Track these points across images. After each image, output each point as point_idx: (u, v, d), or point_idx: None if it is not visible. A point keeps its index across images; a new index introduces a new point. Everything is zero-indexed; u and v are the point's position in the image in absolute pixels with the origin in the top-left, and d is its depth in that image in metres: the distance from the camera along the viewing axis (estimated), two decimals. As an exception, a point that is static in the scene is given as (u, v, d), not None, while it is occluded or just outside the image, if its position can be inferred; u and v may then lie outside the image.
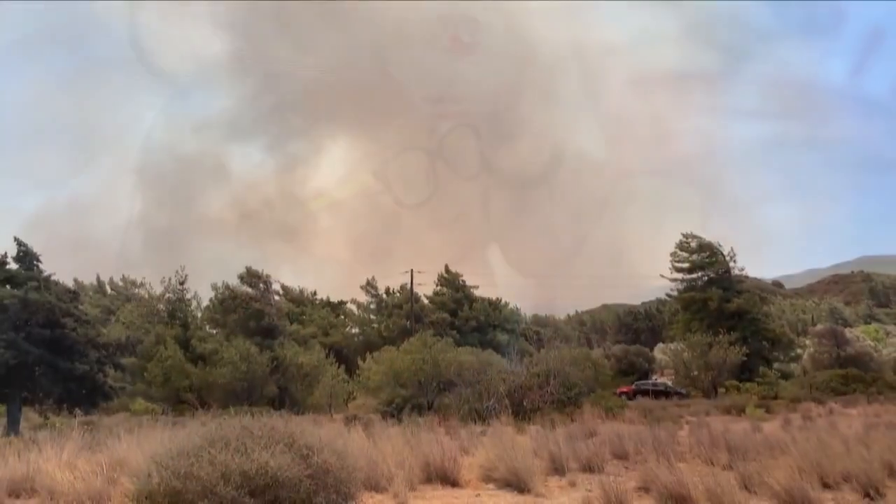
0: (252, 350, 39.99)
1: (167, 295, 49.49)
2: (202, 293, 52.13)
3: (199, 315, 51.10)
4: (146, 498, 6.98)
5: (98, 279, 59.38)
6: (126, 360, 44.39)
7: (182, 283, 49.24)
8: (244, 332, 46.66)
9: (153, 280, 50.02)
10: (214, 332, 49.67)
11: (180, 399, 40.68)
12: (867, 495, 10.19)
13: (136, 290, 56.81)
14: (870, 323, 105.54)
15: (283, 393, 41.80)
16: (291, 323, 55.39)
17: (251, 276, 51.21)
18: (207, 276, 56.90)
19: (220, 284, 51.29)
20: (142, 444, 13.02)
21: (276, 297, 56.86)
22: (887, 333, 73.32)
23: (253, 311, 48.39)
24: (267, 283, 51.74)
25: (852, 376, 46.51)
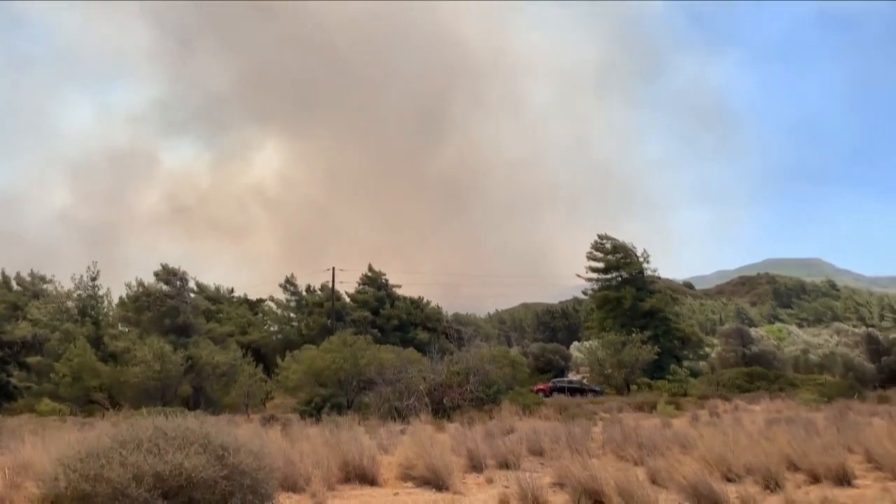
0: (166, 349, 38.83)
1: (78, 292, 47.49)
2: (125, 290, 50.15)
3: (111, 313, 49.23)
4: (52, 502, 6.74)
5: (3, 274, 56.20)
6: (32, 360, 42.44)
7: (94, 280, 47.41)
8: (158, 330, 45.29)
9: (79, 275, 47.45)
10: (127, 330, 48.00)
11: (90, 399, 39.17)
12: (767, 487, 10.72)
13: (45, 285, 54.18)
14: (773, 323, 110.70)
15: (199, 393, 40.79)
16: (208, 321, 53.98)
17: (166, 274, 49.74)
18: (136, 272, 54.83)
19: (133, 282, 49.62)
20: (48, 446, 12.49)
21: (192, 295, 55.33)
22: (789, 333, 76.97)
23: (167, 308, 47.02)
24: (183, 280, 50.37)
25: (756, 374, 48.63)
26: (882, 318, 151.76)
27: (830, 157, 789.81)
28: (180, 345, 42.49)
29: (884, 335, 69.32)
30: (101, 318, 46.88)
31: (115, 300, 50.00)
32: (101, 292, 48.06)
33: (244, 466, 6.87)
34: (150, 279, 49.74)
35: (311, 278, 68.32)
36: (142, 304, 47.78)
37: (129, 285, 49.51)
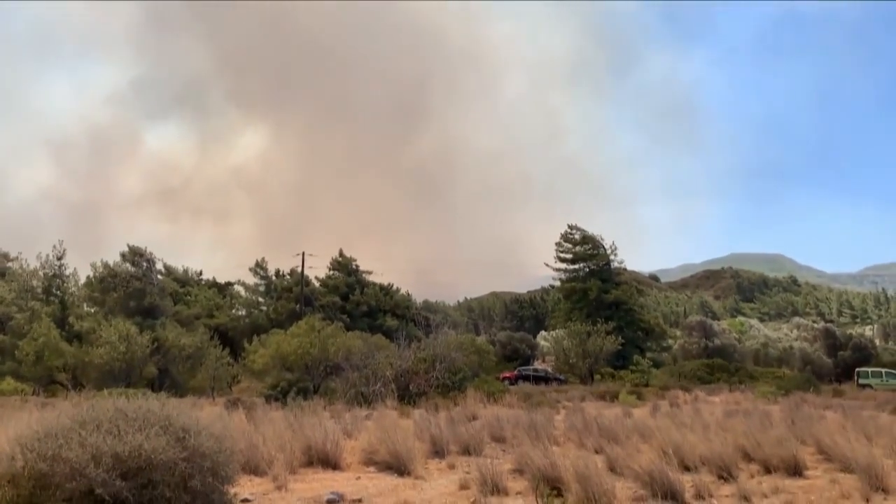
0: (132, 330, 38.37)
1: (43, 270, 46.67)
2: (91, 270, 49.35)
3: (77, 293, 48.46)
4: (9, 482, 6.69)
5: (-35, 252, 54.89)
6: (-7, 338, 41.69)
7: (60, 259, 46.63)
8: (124, 311, 44.70)
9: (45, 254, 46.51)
10: (93, 310, 47.32)
11: (53, 379, 38.61)
12: (721, 477, 11.00)
13: (9, 264, 53.13)
14: (736, 316, 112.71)
15: (164, 375, 40.41)
16: (175, 303, 53.45)
17: (133, 255, 49.08)
18: (115, 252, 53.46)
19: (99, 262, 48.89)
20: (7, 425, 12.37)
21: (160, 277, 54.71)
22: (751, 327, 78.48)
23: (133, 290, 46.41)
24: (150, 261, 49.74)
25: (717, 366, 49.63)
26: (840, 314, 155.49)
27: (795, 156, 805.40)
28: (146, 326, 42.02)
29: (841, 331, 71.06)
30: (66, 297, 46.15)
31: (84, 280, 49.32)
32: (67, 272, 47.32)
33: (205, 449, 6.88)
34: (103, 260, 49.03)
35: (284, 262, 68.03)
36: (107, 284, 47.12)
37: (94, 265, 48.80)
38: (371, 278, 67.49)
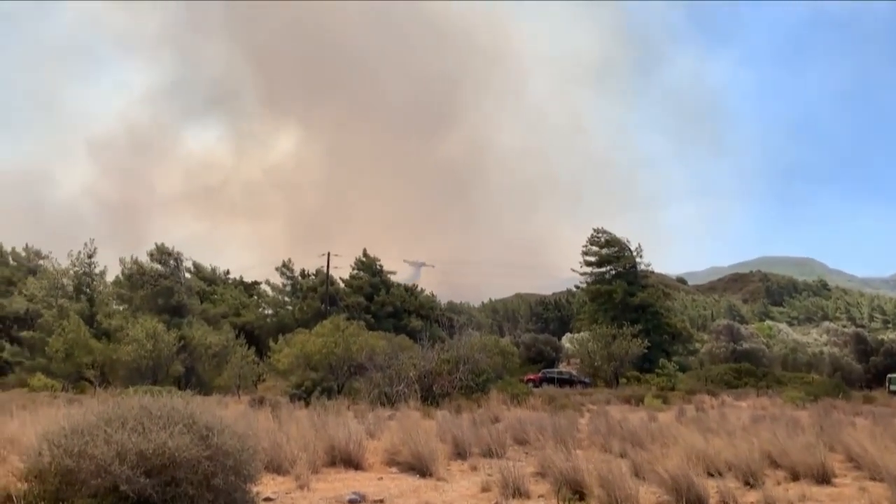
0: (159, 328, 38.87)
1: (74, 268, 47.46)
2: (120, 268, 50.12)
3: (106, 290, 49.21)
4: (35, 477, 6.80)
5: (-1, 249, 56.00)
6: (25, 334, 42.45)
7: (91, 257, 47.37)
8: (152, 309, 45.32)
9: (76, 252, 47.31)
10: (121, 308, 48.02)
11: (81, 376, 39.23)
12: (747, 483, 10.85)
13: (41, 261, 54.08)
14: (764, 321, 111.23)
15: (190, 373, 40.87)
16: (202, 302, 54.04)
17: (160, 253, 49.72)
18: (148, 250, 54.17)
19: (128, 260, 49.59)
20: (35, 421, 12.57)
21: (187, 276, 55.36)
22: (779, 331, 77.39)
23: (162, 288, 47.01)
24: (178, 260, 50.38)
25: (745, 370, 48.98)
26: (872, 319, 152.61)
27: (825, 158, 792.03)
28: (173, 325, 42.55)
29: (872, 336, 69.87)
30: (95, 295, 46.86)
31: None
32: (97, 269, 48.06)
33: (228, 447, 6.93)
34: (133, 257, 49.73)
35: (313, 262, 68.46)
36: (136, 282, 47.79)
37: (123, 262, 49.52)
38: (396, 278, 67.71)
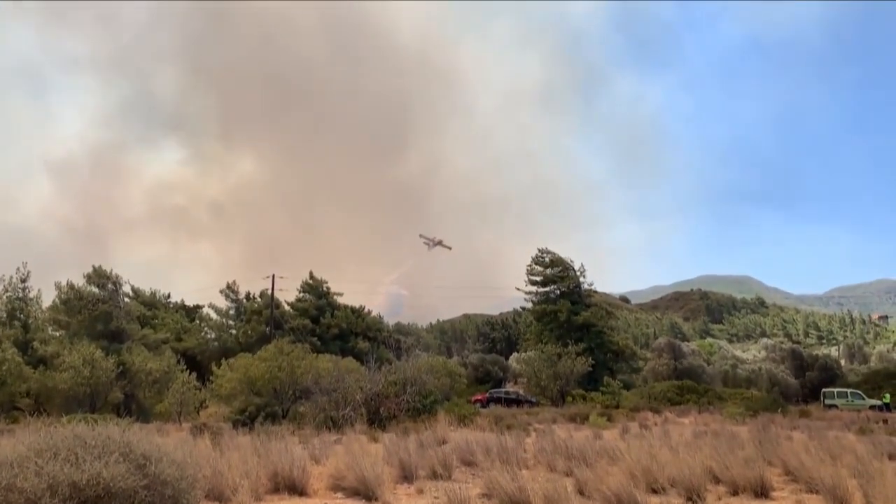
0: (97, 354, 37.66)
1: (7, 294, 45.69)
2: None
3: (41, 316, 47.48)
4: (-39, 513, 6.51)
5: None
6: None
7: (24, 281, 45.72)
8: (90, 335, 43.89)
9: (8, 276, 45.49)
10: (58, 334, 46.39)
11: (15, 405, 37.68)
12: (689, 499, 11.03)
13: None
14: (705, 338, 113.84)
15: (130, 400, 39.68)
16: (142, 327, 52.63)
17: (99, 276, 48.28)
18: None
19: (64, 283, 47.99)
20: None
21: (127, 300, 53.86)
22: (719, 348, 79.24)
23: (100, 313, 45.60)
24: (116, 283, 48.96)
25: (686, 387, 49.96)
26: (807, 335, 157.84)
27: (761, 179, 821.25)
28: (112, 350, 41.27)
29: (808, 352, 72.13)
30: (30, 321, 45.19)
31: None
32: (31, 294, 46.38)
33: (166, 476, 6.75)
34: (69, 281, 48.11)
35: (260, 284, 67.42)
36: (72, 307, 46.25)
37: (59, 286, 47.90)
38: (345, 301, 67.09)
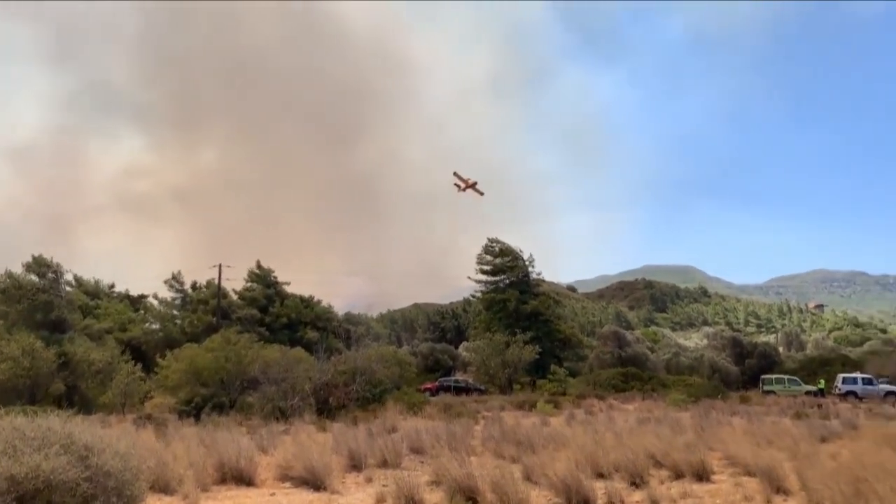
0: (37, 345, 36.57)
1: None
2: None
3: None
4: None
5: None
6: None
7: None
8: (29, 325, 42.51)
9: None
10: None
11: (-50, 398, 36.36)
12: (633, 483, 11.32)
13: None
14: (649, 326, 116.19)
15: (72, 391, 38.63)
16: (85, 317, 51.24)
17: (39, 265, 46.79)
18: (71, 264, 50.55)
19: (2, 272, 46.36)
20: None
21: (68, 289, 52.34)
22: (663, 336, 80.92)
23: (40, 302, 44.22)
24: (57, 272, 47.52)
25: (631, 374, 50.93)
26: (747, 323, 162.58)
27: (704, 171, 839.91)
28: (53, 341, 40.11)
29: (748, 339, 74.24)
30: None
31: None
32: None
33: (109, 468, 6.64)
34: (7, 270, 46.54)
35: (206, 274, 66.09)
36: (11, 296, 44.74)
37: (-4, 275, 46.27)
38: (294, 290, 66.34)
